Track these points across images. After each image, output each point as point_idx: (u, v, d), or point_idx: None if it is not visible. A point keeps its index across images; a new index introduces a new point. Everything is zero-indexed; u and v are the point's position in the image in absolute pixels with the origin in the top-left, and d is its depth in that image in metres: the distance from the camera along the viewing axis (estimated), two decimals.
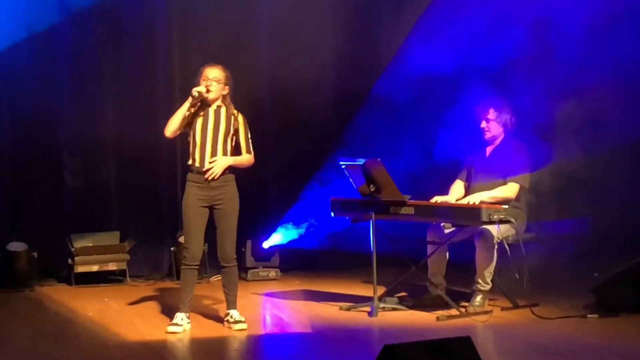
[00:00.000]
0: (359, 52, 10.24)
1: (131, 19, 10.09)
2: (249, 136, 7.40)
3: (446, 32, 9.44)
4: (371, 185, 7.74)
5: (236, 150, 7.37)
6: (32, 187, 9.93)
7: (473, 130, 8.24)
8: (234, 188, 7.37)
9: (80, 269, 9.68)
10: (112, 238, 9.95)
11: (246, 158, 7.40)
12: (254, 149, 7.43)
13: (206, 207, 7.31)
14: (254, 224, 9.71)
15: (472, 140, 8.31)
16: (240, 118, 7.37)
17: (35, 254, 9.59)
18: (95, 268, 9.73)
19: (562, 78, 8.87)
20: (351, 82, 10.26)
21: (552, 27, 9.02)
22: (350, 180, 8.00)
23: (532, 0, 9.18)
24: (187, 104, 7.23)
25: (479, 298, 7.81)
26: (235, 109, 7.38)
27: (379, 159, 7.69)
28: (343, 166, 7.99)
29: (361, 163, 7.74)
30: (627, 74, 8.61)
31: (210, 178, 7.22)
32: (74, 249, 9.70)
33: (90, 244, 9.79)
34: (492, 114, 8.04)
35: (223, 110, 7.33)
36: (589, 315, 7.41)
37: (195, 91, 7.21)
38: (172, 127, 7.29)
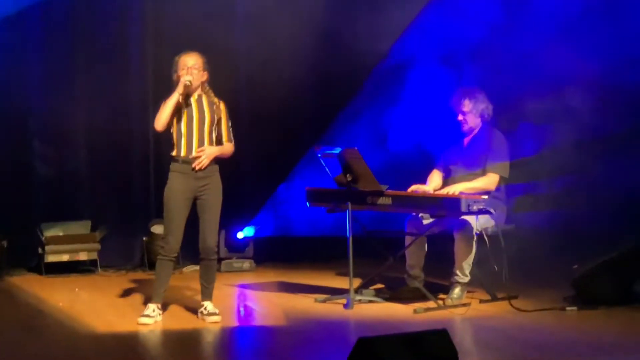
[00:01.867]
0: (339, 46, 10.08)
1: (105, 8, 9.94)
2: (230, 124, 7.29)
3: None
4: (348, 175, 7.62)
5: (217, 139, 7.24)
6: (1, 175, 9.78)
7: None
8: (219, 179, 7.27)
9: (50, 258, 9.58)
10: (83, 227, 9.82)
11: (229, 147, 7.30)
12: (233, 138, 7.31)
13: (190, 197, 7.17)
14: (228, 213, 9.47)
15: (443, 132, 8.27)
16: (222, 106, 7.26)
17: (4, 243, 9.45)
18: (65, 258, 9.62)
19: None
20: (332, 76, 10.12)
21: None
22: (327, 169, 7.87)
23: None
24: (176, 95, 7.05)
25: (457, 290, 7.71)
26: (215, 95, 7.26)
27: (355, 148, 7.58)
28: (319, 155, 7.87)
29: (338, 152, 7.62)
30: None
31: (198, 168, 7.08)
32: (44, 238, 9.58)
33: (61, 233, 9.67)
34: (467, 105, 7.91)
35: (204, 98, 7.21)
36: (567, 308, 7.35)
37: (187, 80, 7.06)
38: (163, 119, 7.09)
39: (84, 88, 9.93)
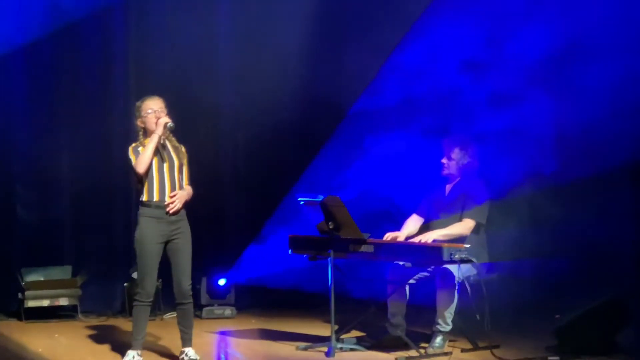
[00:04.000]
0: (324, 88, 10.15)
1: (88, 49, 9.94)
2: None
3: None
4: (330, 223, 7.61)
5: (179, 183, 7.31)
6: None
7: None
8: (187, 223, 7.31)
9: (30, 303, 9.50)
10: (63, 272, 9.78)
11: (191, 190, 7.35)
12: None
13: (163, 242, 7.17)
14: (209, 260, 9.56)
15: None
16: (183, 149, 7.35)
17: None
18: (46, 303, 9.54)
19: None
20: (314, 119, 10.15)
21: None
22: (308, 217, 7.87)
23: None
24: (156, 137, 7.11)
25: (439, 339, 7.69)
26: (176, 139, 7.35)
27: (338, 196, 7.59)
28: (302, 202, 7.87)
29: (320, 199, 7.61)
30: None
31: (172, 212, 7.10)
32: (24, 283, 9.52)
33: (41, 278, 9.62)
34: (456, 153, 7.95)
35: (168, 143, 7.28)
36: (550, 358, 7.33)
37: (170, 123, 7.11)
38: (146, 161, 7.10)
39: (67, 132, 9.92)
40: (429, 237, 7.61)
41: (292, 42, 10.01)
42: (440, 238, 7.61)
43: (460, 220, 7.79)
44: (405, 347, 7.64)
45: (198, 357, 7.24)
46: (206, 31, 10.06)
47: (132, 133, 9.60)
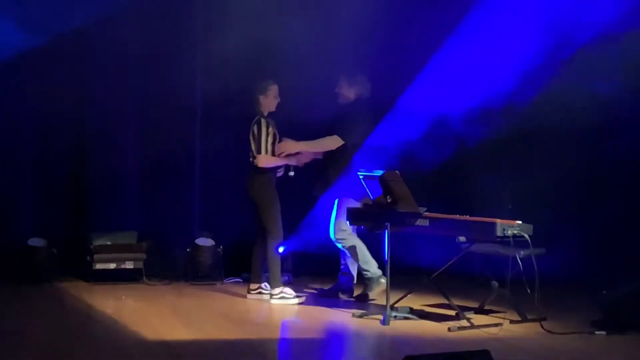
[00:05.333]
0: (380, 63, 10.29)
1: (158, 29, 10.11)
2: None
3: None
4: (388, 197, 7.89)
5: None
6: (54, 185, 10.18)
7: None
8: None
9: (98, 266, 9.82)
10: (130, 237, 10.11)
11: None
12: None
13: None
14: None
15: None
16: None
17: (55, 250, 9.79)
18: (112, 266, 9.87)
19: None
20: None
21: None
22: (368, 190, 8.15)
23: None
24: (285, 162, 8.97)
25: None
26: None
27: (397, 171, 7.86)
28: (361, 177, 8.16)
29: (379, 174, 7.90)
30: None
31: None
32: (92, 246, 9.85)
33: (109, 243, 9.94)
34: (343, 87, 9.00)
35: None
36: (596, 332, 7.49)
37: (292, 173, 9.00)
38: (271, 165, 8.89)
39: (135, 104, 10.28)
40: (296, 146, 8.84)
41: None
42: (305, 148, 8.84)
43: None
44: (457, 317, 7.91)
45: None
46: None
47: (196, 106, 10.07)
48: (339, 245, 8.97)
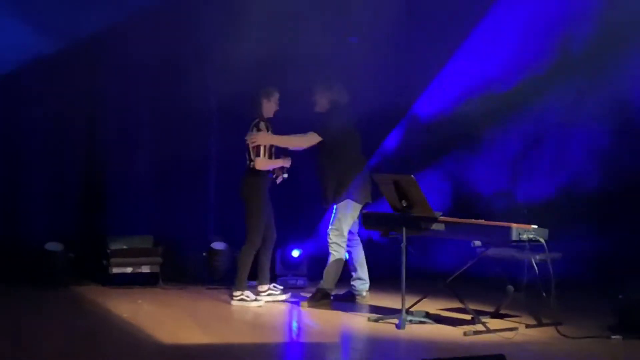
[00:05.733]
0: (398, 71, 10.36)
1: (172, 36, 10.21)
2: None
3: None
4: (403, 201, 7.90)
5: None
6: (70, 190, 10.29)
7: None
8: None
9: (114, 270, 9.90)
10: (146, 241, 10.17)
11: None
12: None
13: None
14: (284, 232, 9.84)
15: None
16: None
17: (72, 255, 9.86)
18: (129, 270, 9.94)
19: None
20: (389, 100, 10.30)
21: None
22: (383, 194, 8.16)
23: None
24: (279, 164, 9.01)
25: None
26: None
27: (412, 175, 7.87)
28: (376, 181, 8.16)
29: (394, 179, 7.91)
30: None
31: None
32: (109, 250, 9.91)
33: (125, 247, 10.00)
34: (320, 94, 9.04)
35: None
36: (612, 337, 7.46)
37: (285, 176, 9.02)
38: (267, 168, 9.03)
39: (150, 107, 10.36)
40: (270, 139, 8.87)
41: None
42: (279, 142, 8.92)
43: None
44: (473, 321, 7.88)
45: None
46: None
47: (211, 111, 10.19)
48: (331, 249, 8.99)
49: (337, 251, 8.95)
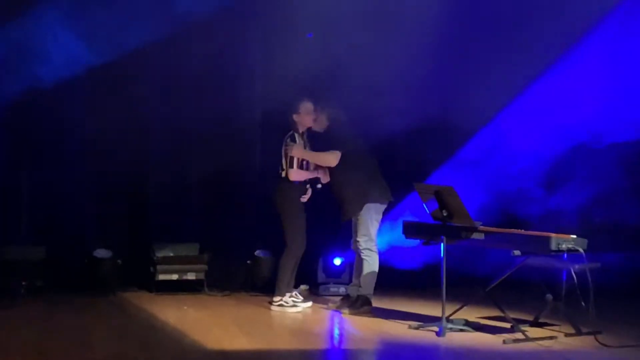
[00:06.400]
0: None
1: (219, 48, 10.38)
2: None
3: None
4: (443, 210, 8.01)
5: None
6: (118, 198, 10.45)
7: None
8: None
9: (161, 277, 10.05)
10: (191, 249, 10.31)
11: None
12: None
13: None
14: (326, 241, 10.08)
15: None
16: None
17: (119, 262, 10.03)
18: (175, 277, 10.08)
19: None
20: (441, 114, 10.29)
21: None
22: (424, 204, 8.28)
23: None
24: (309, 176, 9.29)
25: None
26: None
27: (452, 187, 7.97)
28: (417, 191, 8.29)
29: (435, 188, 8.04)
30: None
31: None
32: (155, 258, 10.07)
33: (171, 254, 10.14)
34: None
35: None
36: None
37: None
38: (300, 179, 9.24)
39: (195, 120, 10.42)
40: (302, 153, 9.09)
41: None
42: (308, 157, 9.13)
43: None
44: (512, 329, 7.93)
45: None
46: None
47: (256, 120, 10.36)
48: (363, 255, 9.08)
49: (370, 256, 9.07)
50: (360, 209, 9.05)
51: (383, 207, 9.16)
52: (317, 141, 9.29)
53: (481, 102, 9.91)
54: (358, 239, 9.08)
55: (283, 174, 9.19)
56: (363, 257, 9.06)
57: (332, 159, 9.13)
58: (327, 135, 9.24)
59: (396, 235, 9.06)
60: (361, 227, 9.07)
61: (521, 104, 10.06)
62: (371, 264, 9.06)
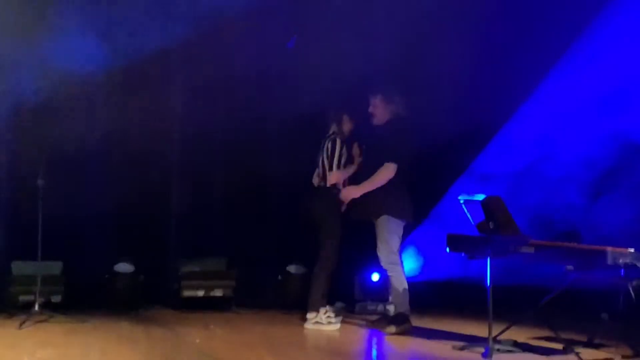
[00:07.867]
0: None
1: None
2: None
3: None
4: (490, 222, 7.58)
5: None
6: (141, 210, 10.07)
7: None
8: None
9: (186, 293, 9.81)
10: (219, 264, 10.06)
11: None
12: None
13: None
14: (363, 257, 9.73)
15: None
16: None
17: (141, 277, 9.76)
18: (201, 293, 9.83)
19: None
20: (476, 122, 10.17)
21: None
22: (468, 216, 7.85)
23: None
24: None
25: None
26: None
27: (499, 196, 7.59)
28: (461, 201, 7.87)
29: (481, 199, 7.61)
30: None
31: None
32: (180, 273, 9.82)
33: (197, 269, 9.89)
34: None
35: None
36: None
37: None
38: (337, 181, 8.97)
39: (221, 129, 10.21)
40: (356, 191, 8.61)
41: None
42: (368, 188, 8.57)
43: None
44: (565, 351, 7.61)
45: None
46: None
47: (283, 130, 10.19)
48: (389, 272, 8.75)
49: (395, 271, 8.71)
50: (379, 215, 8.67)
51: (402, 224, 8.76)
52: (372, 137, 8.87)
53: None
54: (379, 255, 8.72)
55: (321, 184, 8.92)
56: (389, 273, 8.75)
57: (389, 174, 8.64)
58: (383, 135, 8.77)
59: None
60: (383, 244, 8.70)
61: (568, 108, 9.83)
62: (399, 278, 8.70)
